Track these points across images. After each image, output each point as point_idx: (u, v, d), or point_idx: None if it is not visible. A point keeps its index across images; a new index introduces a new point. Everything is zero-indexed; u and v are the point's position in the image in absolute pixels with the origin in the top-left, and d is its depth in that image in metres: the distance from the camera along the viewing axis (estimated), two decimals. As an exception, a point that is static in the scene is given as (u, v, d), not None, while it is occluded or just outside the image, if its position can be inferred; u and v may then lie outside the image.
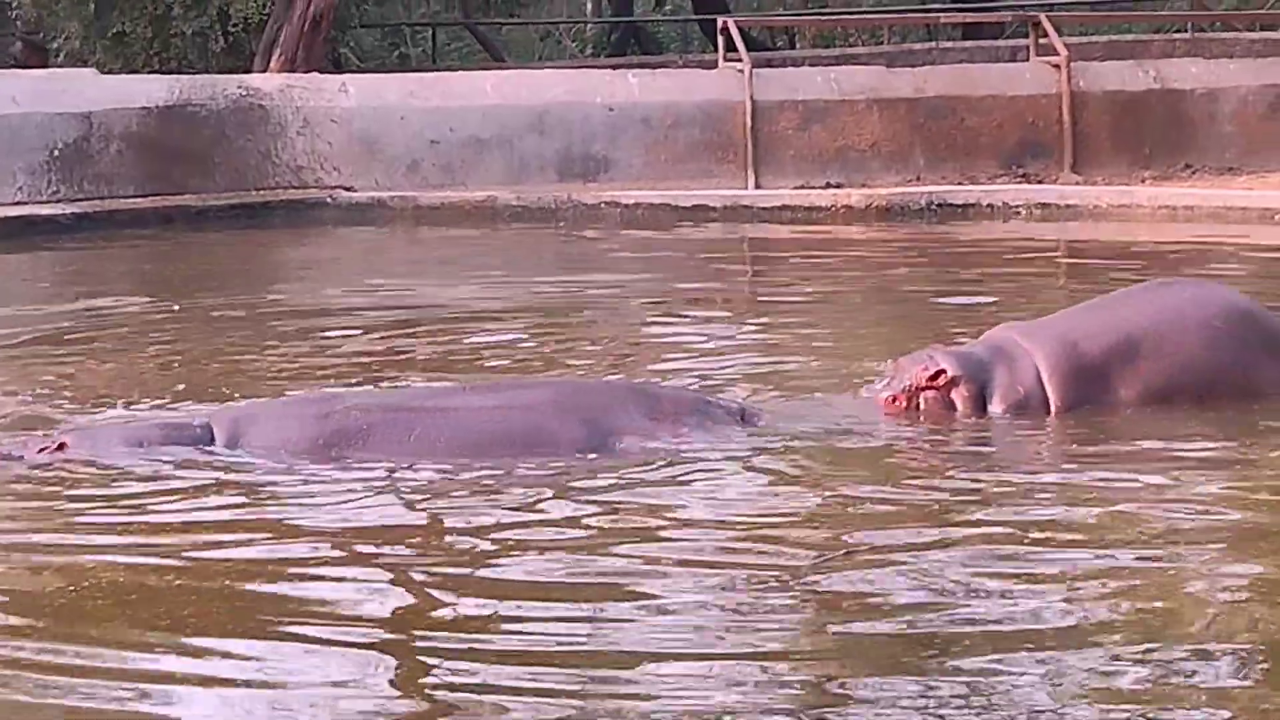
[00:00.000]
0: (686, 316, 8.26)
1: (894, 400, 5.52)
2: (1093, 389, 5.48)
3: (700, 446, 5.15)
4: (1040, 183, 13.65)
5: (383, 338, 7.78)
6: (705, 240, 11.95)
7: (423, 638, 3.71)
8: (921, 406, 5.51)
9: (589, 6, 30.08)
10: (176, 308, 8.87)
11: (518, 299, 9.03)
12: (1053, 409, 5.47)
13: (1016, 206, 12.48)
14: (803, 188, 13.46)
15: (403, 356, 7.27)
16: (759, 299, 9.32)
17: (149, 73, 15.93)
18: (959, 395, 5.48)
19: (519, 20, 28.57)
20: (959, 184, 13.40)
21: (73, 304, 9.37)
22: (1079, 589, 3.84)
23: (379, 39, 23.28)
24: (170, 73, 15.35)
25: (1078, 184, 13.52)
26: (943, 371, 5.49)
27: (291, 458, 5.13)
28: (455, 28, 26.02)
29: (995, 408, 5.49)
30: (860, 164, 14.06)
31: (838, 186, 13.48)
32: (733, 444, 5.21)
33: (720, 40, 14.86)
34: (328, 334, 7.93)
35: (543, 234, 12.43)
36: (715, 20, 16.12)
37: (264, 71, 15.81)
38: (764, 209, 12.83)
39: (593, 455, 5.05)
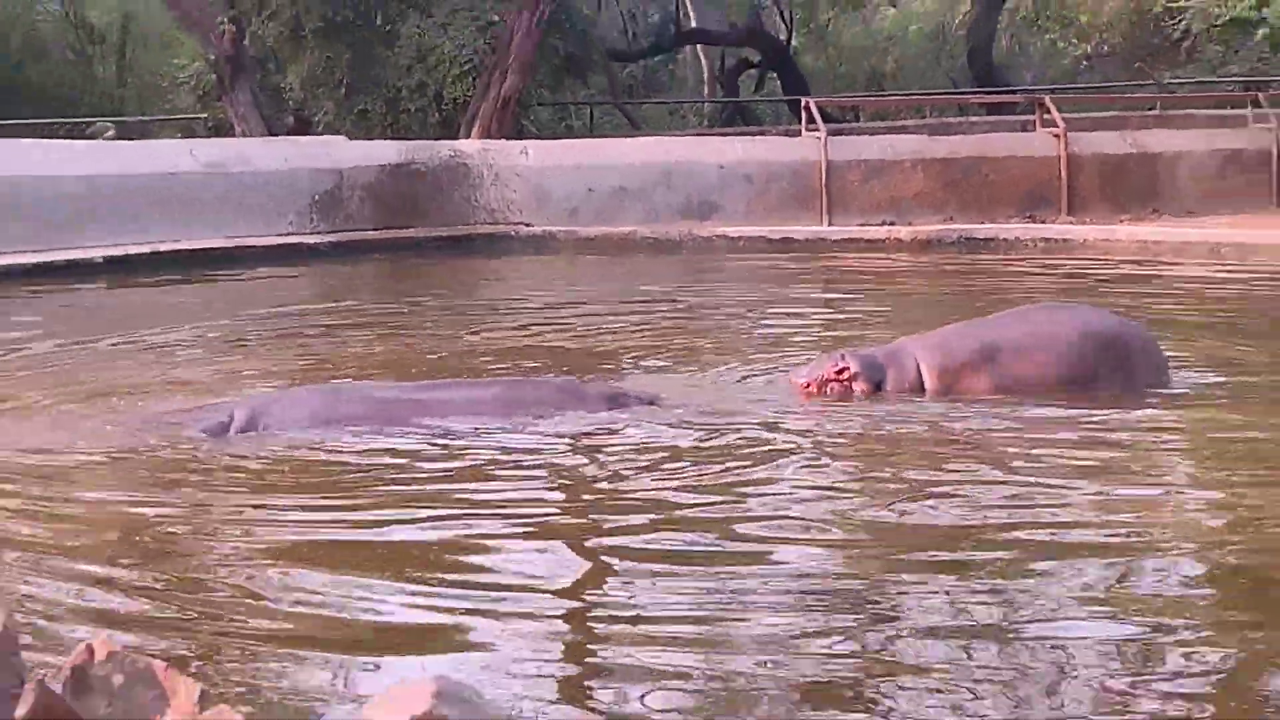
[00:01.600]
0: (776, 317, 8.20)
1: (807, 385, 5.50)
2: (958, 381, 5.41)
3: (631, 427, 4.98)
4: (1044, 223, 13.52)
5: (553, 330, 7.76)
6: (792, 264, 11.85)
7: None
8: (827, 393, 5.46)
9: (705, 90, 30.23)
10: (405, 310, 8.97)
11: (652, 305, 9.01)
12: (928, 393, 5.42)
13: (1025, 240, 12.40)
14: (864, 225, 13.43)
15: (574, 345, 7.20)
16: (831, 304, 9.20)
17: (384, 139, 16.12)
18: (857, 386, 5.46)
19: (654, 100, 28.73)
20: (982, 223, 13.26)
21: (326, 304, 9.45)
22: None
23: (551, 114, 23.44)
24: (399, 139, 15.53)
25: (1072, 224, 13.41)
26: (847, 368, 5.47)
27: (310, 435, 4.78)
28: (607, 106, 26.21)
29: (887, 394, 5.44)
30: (908, 208, 13.98)
31: (891, 224, 13.44)
32: (651, 424, 5.03)
33: (803, 115, 14.81)
34: (515, 326, 7.95)
35: (670, 259, 12.42)
36: (800, 100, 16.07)
37: (467, 138, 16.01)
38: (835, 241, 12.82)
39: (533, 436, 4.85)
